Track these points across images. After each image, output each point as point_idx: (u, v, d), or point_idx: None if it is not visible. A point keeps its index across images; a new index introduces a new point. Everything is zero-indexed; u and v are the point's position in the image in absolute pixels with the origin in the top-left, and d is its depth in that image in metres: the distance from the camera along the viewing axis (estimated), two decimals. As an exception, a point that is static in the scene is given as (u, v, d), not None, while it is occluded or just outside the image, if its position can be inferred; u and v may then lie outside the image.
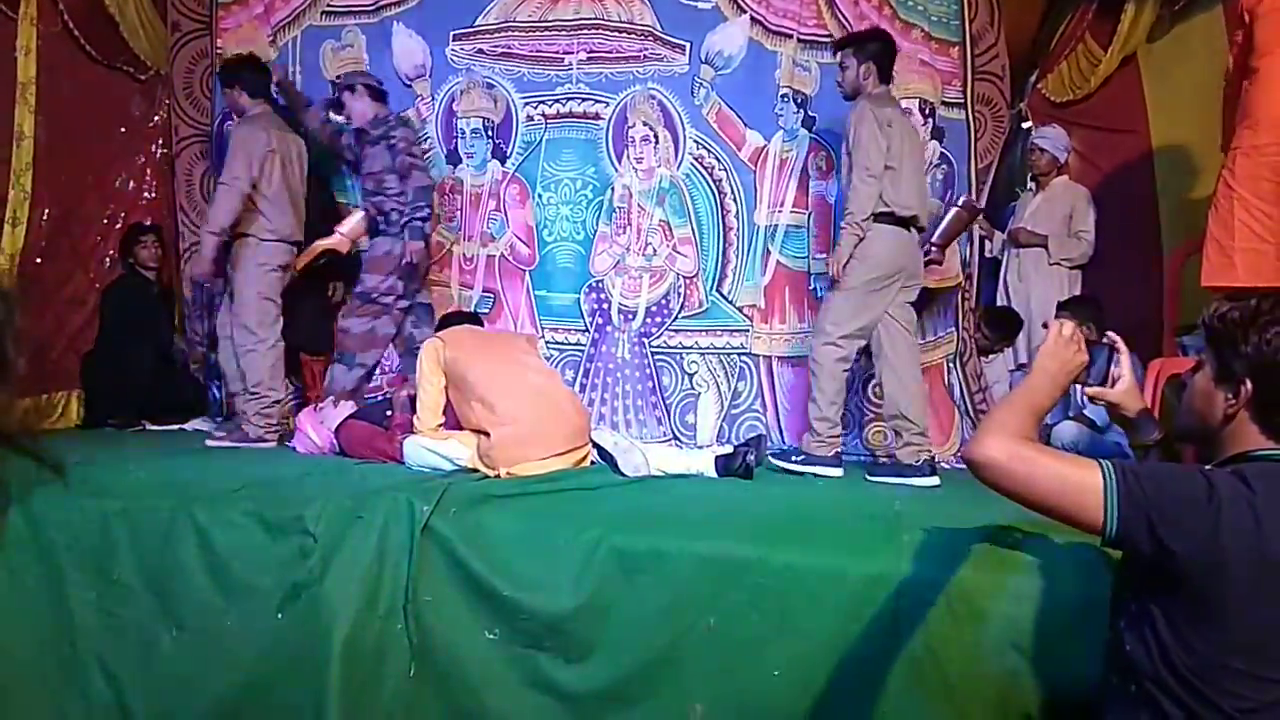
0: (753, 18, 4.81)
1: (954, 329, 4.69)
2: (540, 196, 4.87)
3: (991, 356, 4.75)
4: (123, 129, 4.84)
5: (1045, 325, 4.32)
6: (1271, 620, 1.34)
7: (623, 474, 3.24)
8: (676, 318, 4.77)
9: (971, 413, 4.55)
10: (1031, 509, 1.47)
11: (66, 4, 4.39)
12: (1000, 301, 4.89)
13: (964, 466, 4.33)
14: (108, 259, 4.74)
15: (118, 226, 4.79)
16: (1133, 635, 1.45)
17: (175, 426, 4.59)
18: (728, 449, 3.51)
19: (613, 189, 4.86)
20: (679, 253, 4.80)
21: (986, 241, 4.93)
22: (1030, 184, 4.97)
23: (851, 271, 3.63)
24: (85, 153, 4.24)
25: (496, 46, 4.91)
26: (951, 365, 4.65)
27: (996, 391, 4.60)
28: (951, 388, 4.64)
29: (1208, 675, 1.36)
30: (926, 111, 4.77)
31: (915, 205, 3.69)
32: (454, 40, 4.93)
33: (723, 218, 4.81)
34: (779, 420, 4.65)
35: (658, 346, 4.77)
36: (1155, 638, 1.40)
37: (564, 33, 4.87)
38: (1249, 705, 1.35)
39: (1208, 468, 1.48)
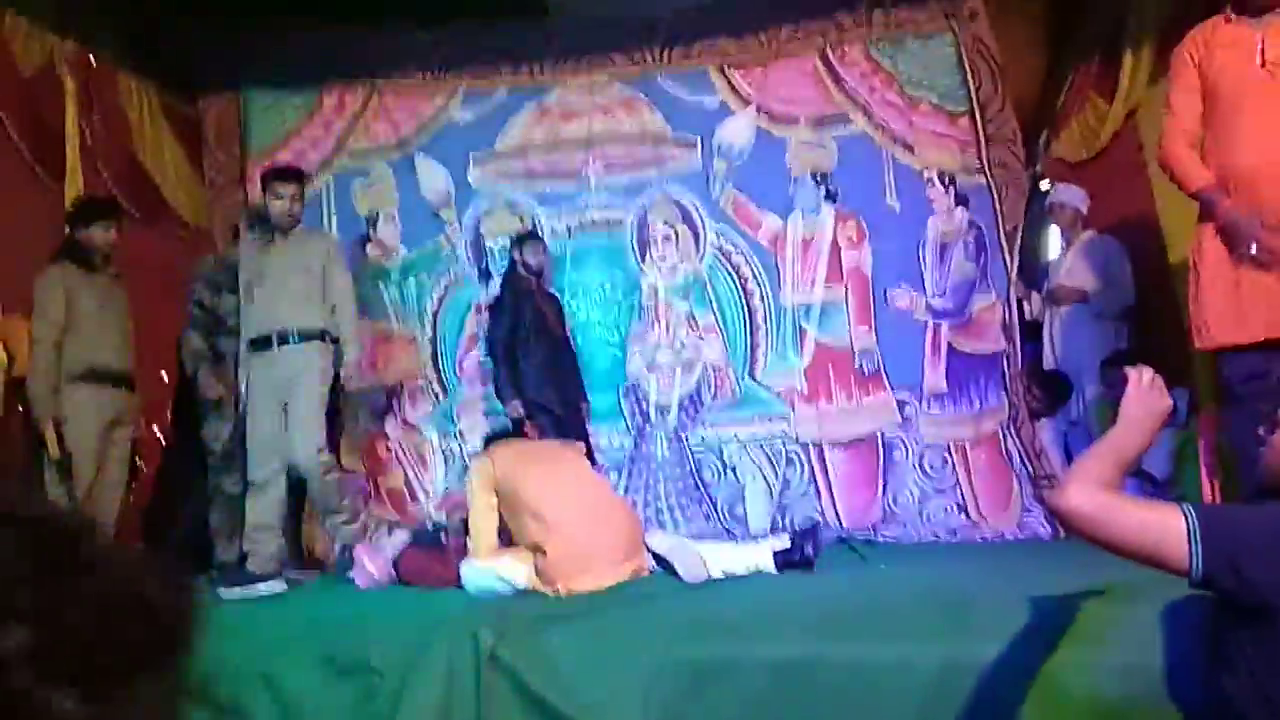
0: (758, 108, 4.95)
1: (1004, 395, 4.63)
2: (570, 304, 4.95)
3: (1044, 419, 4.67)
4: (167, 284, 5.02)
5: (1106, 381, 4.25)
6: None
7: (681, 579, 3.21)
8: (710, 409, 4.78)
9: (1030, 478, 4.47)
10: (1117, 555, 1.49)
11: (110, 171, 4.61)
12: (1046, 360, 4.83)
13: (1025, 538, 4.25)
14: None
15: (167, 381, 4.91)
16: (1230, 676, 1.46)
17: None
18: (785, 541, 3.46)
19: (640, 289, 4.94)
20: (704, 341, 4.85)
21: (1025, 304, 4.90)
22: (1061, 242, 4.96)
23: None
24: (134, 312, 4.38)
25: (516, 167, 5.08)
26: (1007, 433, 4.59)
27: (1052, 455, 4.51)
28: (1010, 456, 4.56)
29: None
30: (946, 181, 4.84)
31: None
32: (475, 165, 5.11)
33: (746, 302, 4.87)
34: (835, 505, 4.59)
35: (695, 442, 4.76)
36: (1251, 676, 1.42)
37: (579, 147, 5.04)
38: None
39: None
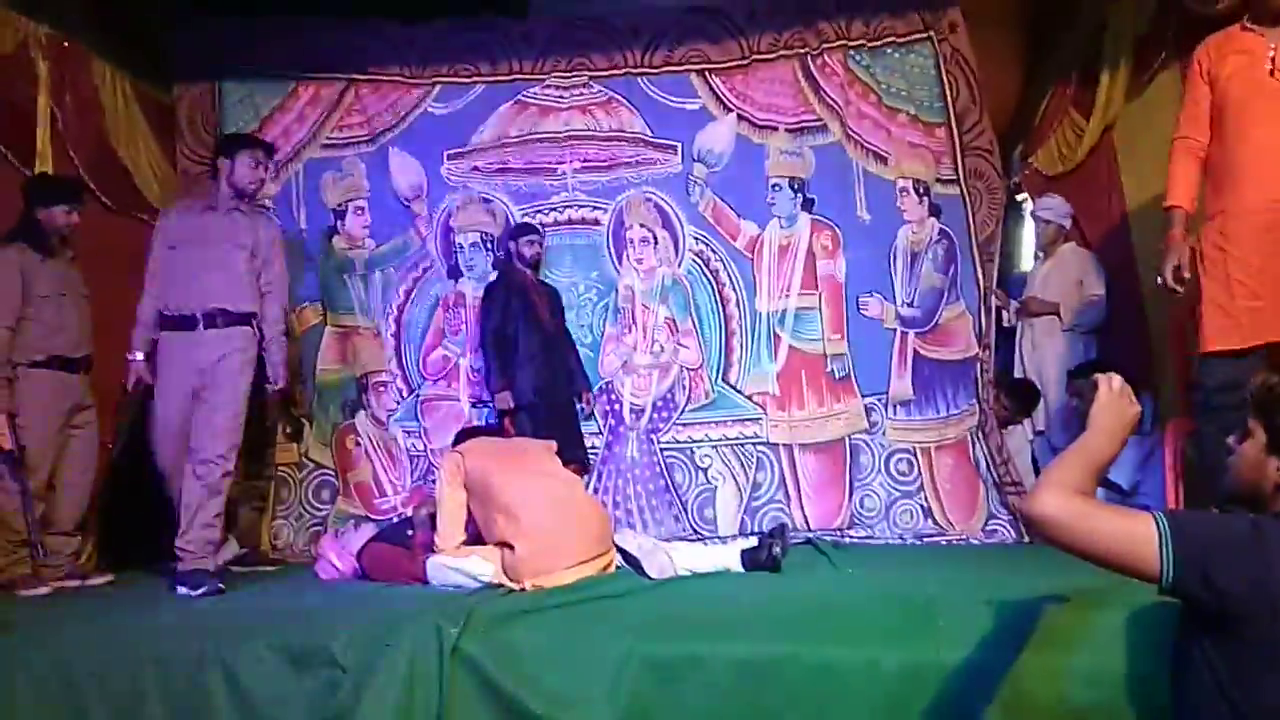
0: (739, 115, 4.97)
1: (975, 401, 4.67)
2: (542, 301, 4.93)
3: (1011, 427, 4.71)
4: (136, 270, 4.94)
5: (1071, 390, 4.30)
6: None
7: (648, 577, 3.20)
8: (683, 411, 4.80)
9: (997, 484, 4.50)
10: (1088, 560, 1.49)
11: (81, 156, 4.53)
12: (1016, 370, 4.87)
13: (990, 543, 4.26)
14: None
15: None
16: (1194, 683, 1.48)
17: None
18: (752, 541, 3.47)
19: (617, 290, 4.94)
20: (682, 345, 4.87)
21: (1003, 312, 4.93)
22: (1038, 253, 5.01)
23: None
24: (104, 302, 4.30)
25: (491, 162, 5.07)
26: (975, 439, 4.62)
27: (1018, 463, 4.55)
28: (977, 462, 4.59)
29: None
30: (921, 190, 4.88)
31: None
32: (449, 159, 5.09)
33: (723, 307, 4.90)
34: (803, 508, 4.60)
35: (667, 442, 4.77)
36: (1217, 685, 1.43)
37: (556, 144, 5.03)
38: None
39: (1254, 516, 1.52)
